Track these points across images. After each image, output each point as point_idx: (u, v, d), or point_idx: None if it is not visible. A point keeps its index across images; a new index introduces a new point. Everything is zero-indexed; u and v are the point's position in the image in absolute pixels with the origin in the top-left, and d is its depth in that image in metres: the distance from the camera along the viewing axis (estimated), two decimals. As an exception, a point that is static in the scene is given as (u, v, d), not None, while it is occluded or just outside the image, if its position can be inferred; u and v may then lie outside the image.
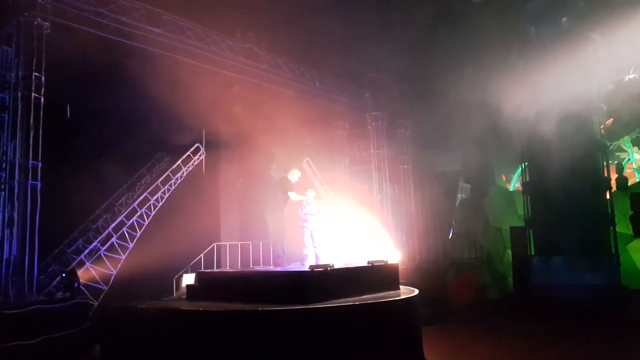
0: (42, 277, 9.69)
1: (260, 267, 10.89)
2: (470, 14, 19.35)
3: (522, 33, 19.43)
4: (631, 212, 20.29)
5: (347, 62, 16.35)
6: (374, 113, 16.46)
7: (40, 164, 8.97)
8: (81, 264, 10.78)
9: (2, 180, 8.85)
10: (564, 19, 18.51)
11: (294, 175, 10.19)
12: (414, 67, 17.50)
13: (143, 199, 12.15)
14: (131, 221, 11.75)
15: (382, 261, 9.44)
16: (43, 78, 9.17)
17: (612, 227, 17.85)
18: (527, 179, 19.27)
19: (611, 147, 24.22)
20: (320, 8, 14.48)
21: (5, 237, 8.62)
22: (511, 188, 27.32)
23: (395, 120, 17.03)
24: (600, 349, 10.49)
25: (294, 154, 14.26)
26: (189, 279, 9.98)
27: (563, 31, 18.27)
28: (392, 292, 8.92)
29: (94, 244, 11.15)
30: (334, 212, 11.90)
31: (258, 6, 12.94)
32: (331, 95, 15.39)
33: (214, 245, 11.59)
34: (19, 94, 8.97)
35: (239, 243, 12.19)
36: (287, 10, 13.23)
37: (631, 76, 21.45)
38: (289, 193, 9.83)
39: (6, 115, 9.03)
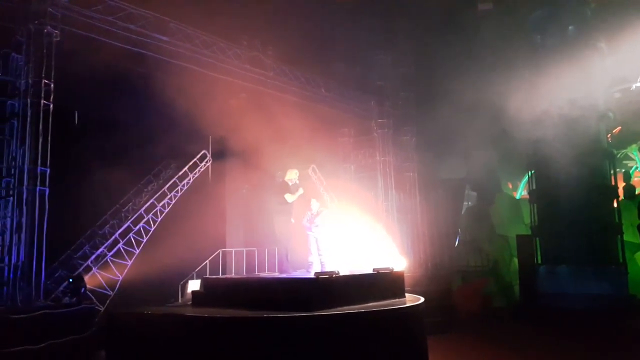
0: (49, 282, 9.73)
1: (266, 274, 10.90)
2: (476, 21, 19.39)
3: (528, 41, 19.43)
4: (639, 221, 20.14)
5: (353, 70, 16.41)
6: (379, 120, 16.49)
7: (48, 170, 9.05)
8: (88, 269, 10.82)
9: (11, 186, 8.94)
10: (570, 27, 18.50)
11: (291, 176, 10.22)
12: (419, 74, 17.54)
13: (150, 205, 12.20)
14: (138, 227, 11.80)
15: (387, 269, 9.43)
16: (52, 85, 9.27)
17: (619, 236, 17.73)
18: (534, 187, 19.19)
19: (618, 155, 24.10)
20: (326, 16, 14.58)
21: (13, 243, 8.69)
22: (518, 196, 27.21)
23: (401, 127, 17.05)
24: (605, 358, 10.41)
25: (300, 161, 14.30)
26: (194, 285, 10.00)
27: (569, 39, 18.26)
28: (397, 300, 8.90)
29: (100, 249, 11.20)
30: (340, 219, 11.91)
31: (264, 14, 13.04)
32: (337, 102, 15.43)
33: (219, 252, 11.61)
34: (29, 100, 9.06)
35: (245, 249, 12.21)
36: (293, 18, 13.32)
37: (638, 84, 21.40)
38: (285, 196, 9.87)
39: (15, 122, 9.12)
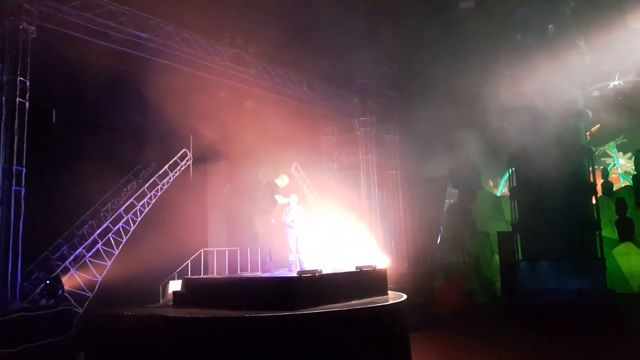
0: (25, 284, 9.54)
1: (248, 273, 10.83)
2: (458, 20, 19.52)
3: (509, 40, 19.63)
4: (617, 217, 20.52)
5: (336, 68, 16.39)
6: (362, 119, 16.51)
7: (24, 170, 8.86)
8: (66, 270, 10.62)
9: (-15, 186, 8.73)
10: (550, 26, 18.74)
11: (282, 180, 10.19)
12: (402, 73, 17.61)
13: (129, 204, 12.02)
14: (117, 227, 11.62)
15: (370, 266, 9.43)
16: (28, 83, 9.07)
17: (598, 232, 18.04)
18: (514, 185, 19.42)
19: (597, 152, 24.52)
20: (309, 14, 14.53)
21: (-12, 244, 8.50)
22: (499, 193, 27.51)
23: (384, 125, 17.10)
24: (588, 353, 10.56)
25: (283, 159, 14.24)
26: (175, 285, 9.89)
27: (549, 38, 18.50)
28: (380, 297, 8.90)
29: (79, 250, 11.00)
30: (322, 217, 11.89)
31: (246, 11, 12.94)
32: (320, 100, 15.41)
33: (201, 251, 11.49)
34: (4, 98, 8.87)
35: (227, 249, 12.11)
36: (275, 16, 13.24)
37: (616, 83, 21.80)
38: (276, 196, 9.83)
39: (-10, 120, 8.92)
